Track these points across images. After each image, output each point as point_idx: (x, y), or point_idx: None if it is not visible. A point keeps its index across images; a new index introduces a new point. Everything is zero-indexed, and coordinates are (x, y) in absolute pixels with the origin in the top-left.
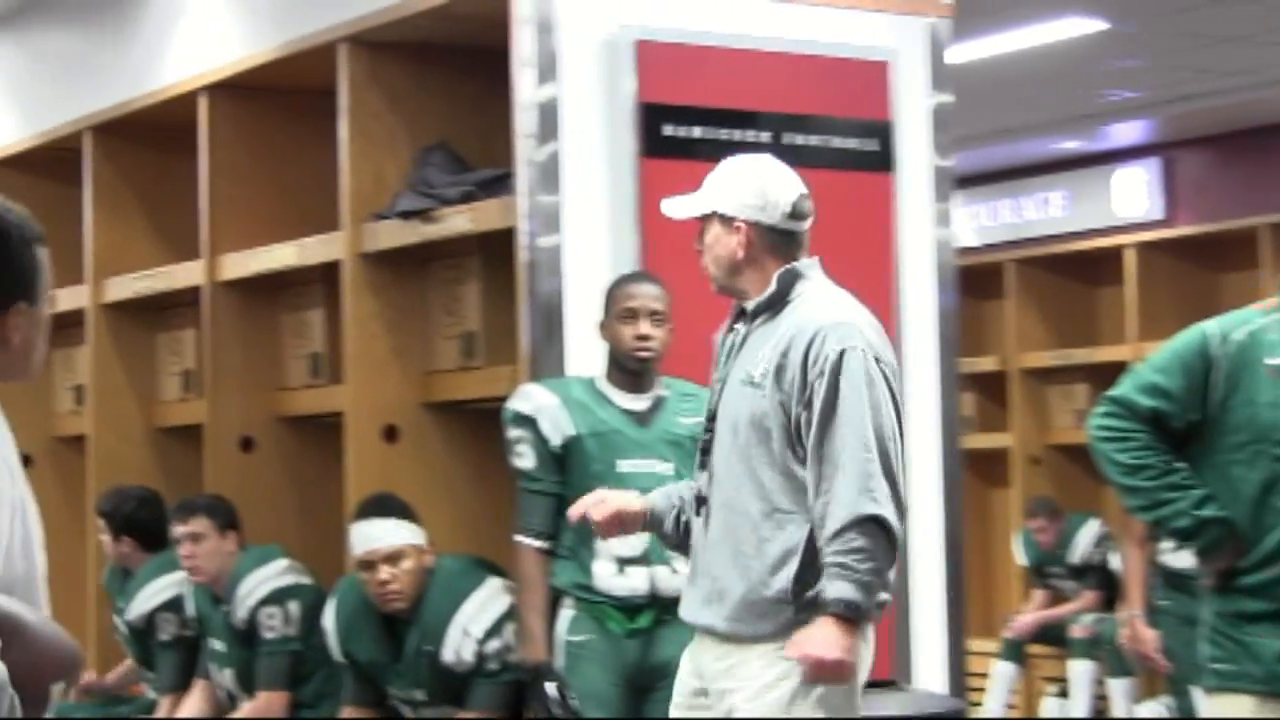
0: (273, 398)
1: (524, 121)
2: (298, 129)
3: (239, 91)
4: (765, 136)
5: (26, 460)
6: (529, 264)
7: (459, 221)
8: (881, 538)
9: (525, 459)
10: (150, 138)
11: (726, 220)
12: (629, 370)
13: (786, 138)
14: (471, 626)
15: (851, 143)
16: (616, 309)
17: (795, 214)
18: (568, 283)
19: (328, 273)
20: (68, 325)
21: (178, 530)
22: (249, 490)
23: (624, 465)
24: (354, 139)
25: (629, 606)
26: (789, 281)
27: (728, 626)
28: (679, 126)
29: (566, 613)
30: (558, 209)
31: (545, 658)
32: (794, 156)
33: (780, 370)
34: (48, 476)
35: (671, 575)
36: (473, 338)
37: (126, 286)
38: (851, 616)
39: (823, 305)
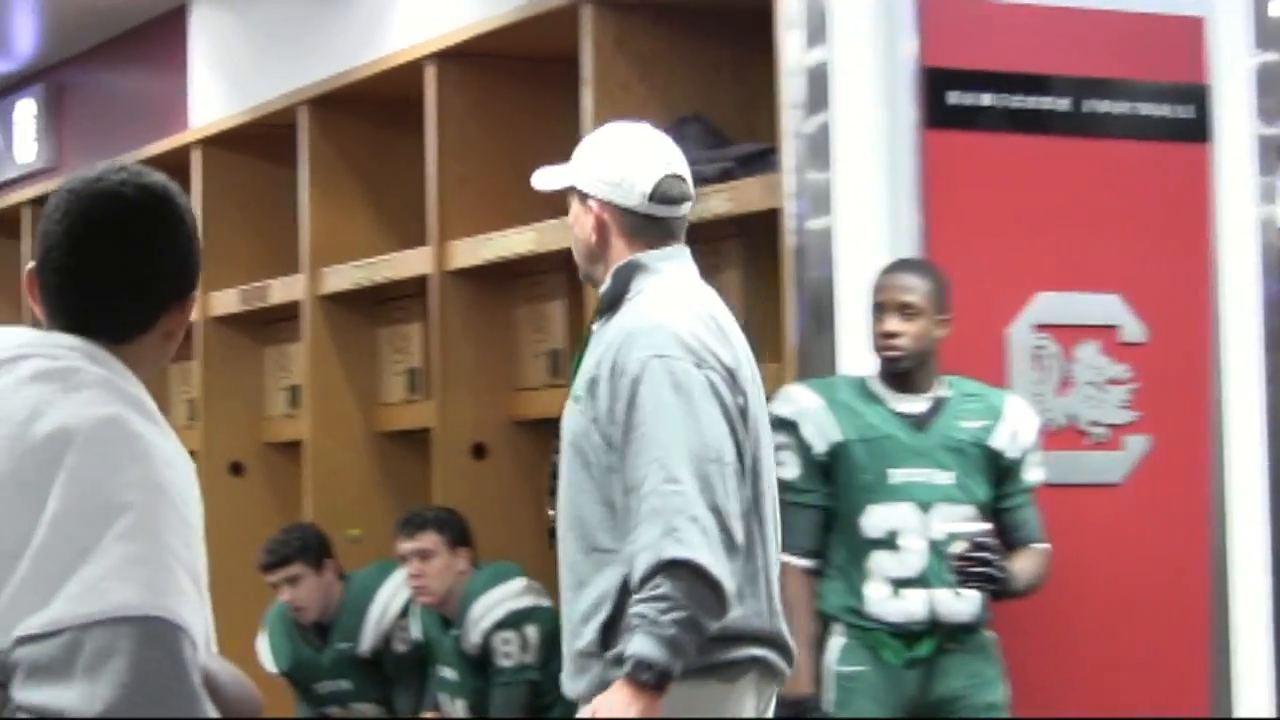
0: (508, 399)
1: (790, 90)
2: (536, 101)
3: (471, 59)
4: (1063, 104)
5: (237, 468)
6: (796, 249)
7: (716, 202)
8: (696, 584)
9: (788, 468)
10: (372, 112)
11: (583, 198)
12: (892, 370)
13: (1087, 105)
14: None
15: (1162, 109)
16: (871, 303)
17: (659, 197)
18: (839, 270)
19: (569, 260)
20: (280, 319)
21: (404, 546)
22: (481, 502)
23: (896, 475)
24: (599, 111)
25: (906, 633)
26: (626, 276)
27: (564, 684)
28: (965, 93)
29: (836, 640)
30: (828, 187)
31: (812, 691)
32: (1096, 126)
33: (594, 384)
34: (259, 486)
35: (955, 599)
36: None
37: (346, 276)
38: (647, 680)
39: (648, 305)
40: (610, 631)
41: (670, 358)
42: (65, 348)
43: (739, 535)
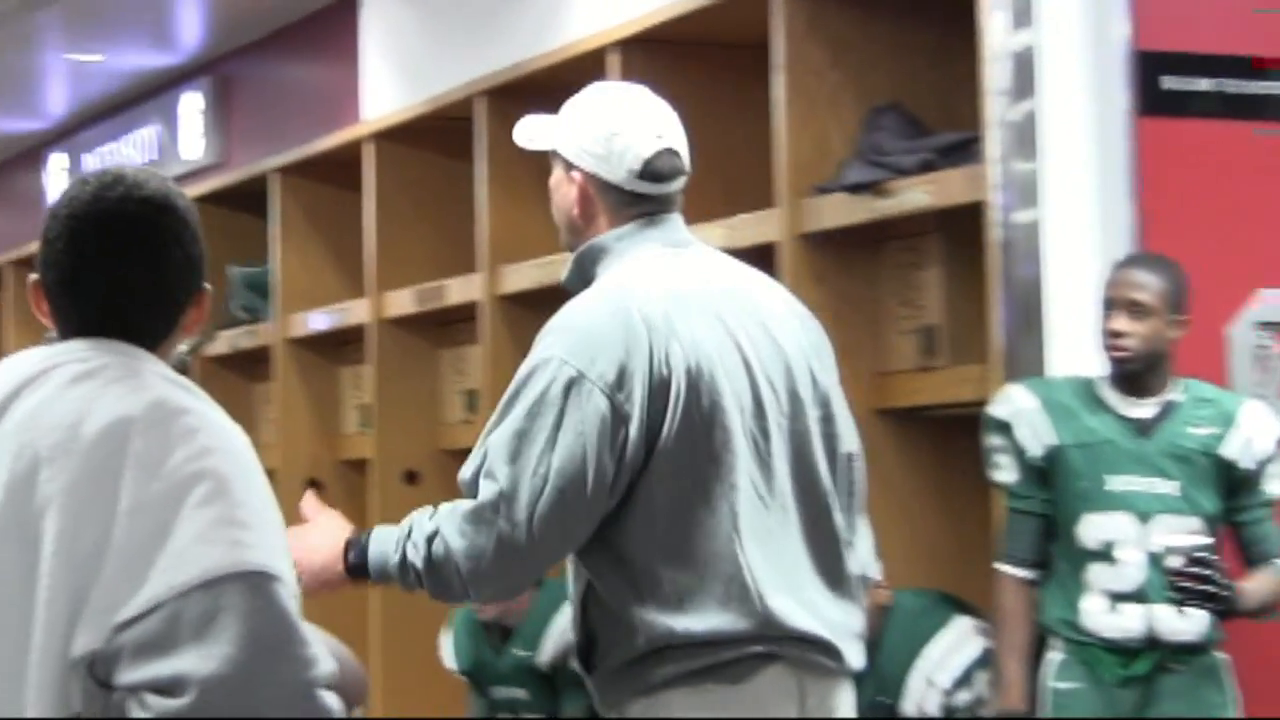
0: None
1: (994, 75)
2: (725, 90)
3: (656, 46)
4: None
5: (412, 476)
6: (1002, 244)
7: (916, 195)
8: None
9: (1004, 472)
10: (553, 103)
11: (567, 165)
12: (1121, 372)
13: None
14: (937, 675)
15: None
16: (1102, 298)
17: (648, 173)
18: (1048, 267)
19: (762, 256)
20: (458, 320)
21: None
22: None
23: (1115, 482)
24: (792, 100)
25: (1123, 650)
26: (587, 262)
27: None
28: (1182, 78)
29: (1054, 655)
30: (1035, 179)
31: (1024, 707)
32: None
33: None
34: (436, 495)
35: (1177, 617)
36: (933, 332)
37: (526, 275)
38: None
39: (582, 297)
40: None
41: (554, 362)
42: (90, 350)
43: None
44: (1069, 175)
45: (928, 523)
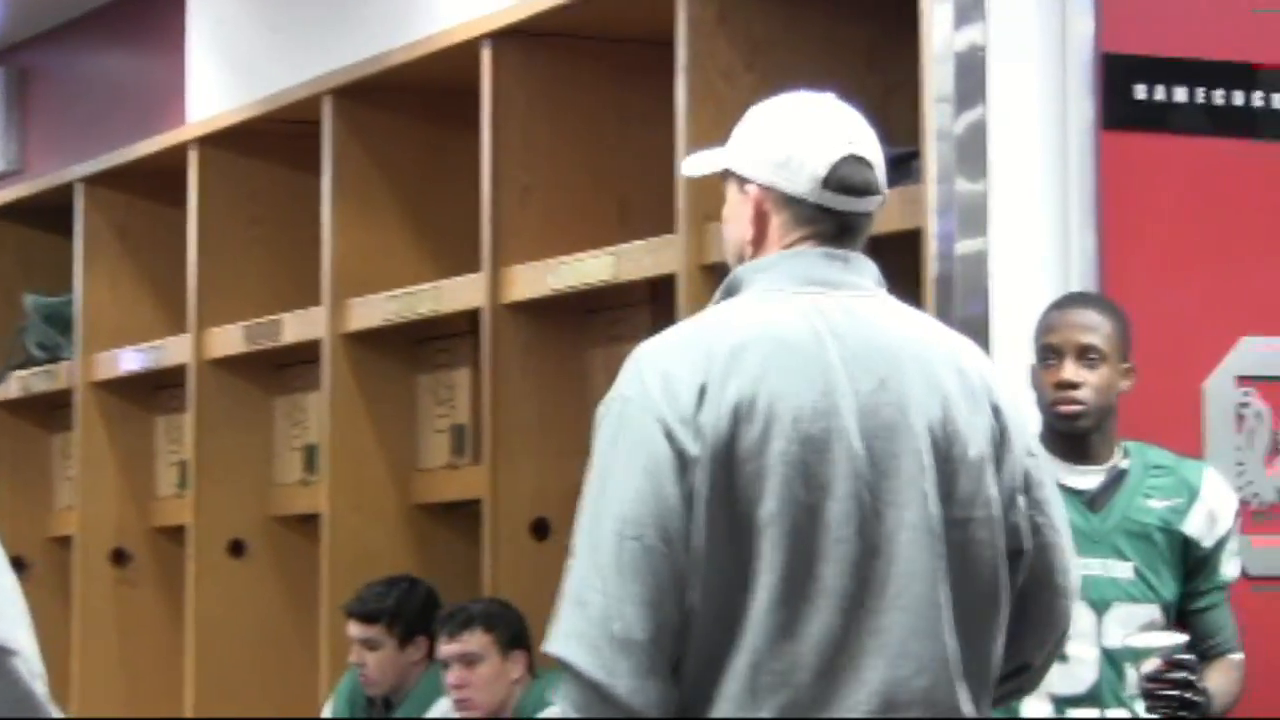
0: (581, 465)
1: (936, 80)
2: (618, 93)
3: (537, 40)
4: (1277, 100)
5: (237, 547)
6: (941, 277)
7: None
8: (575, 691)
9: None
10: (412, 105)
11: (741, 183)
12: (1061, 433)
13: None
14: None
15: None
16: (1037, 346)
17: (833, 183)
18: (996, 303)
19: (657, 291)
20: (295, 362)
21: (445, 649)
22: (543, 593)
23: None
24: (697, 106)
25: None
26: (724, 292)
27: None
28: (1154, 86)
29: None
30: (983, 201)
31: None
32: None
33: None
34: (264, 570)
35: None
36: None
37: (378, 309)
38: None
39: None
40: None
41: (615, 400)
42: None
43: (635, 625)
44: (1022, 198)
45: None
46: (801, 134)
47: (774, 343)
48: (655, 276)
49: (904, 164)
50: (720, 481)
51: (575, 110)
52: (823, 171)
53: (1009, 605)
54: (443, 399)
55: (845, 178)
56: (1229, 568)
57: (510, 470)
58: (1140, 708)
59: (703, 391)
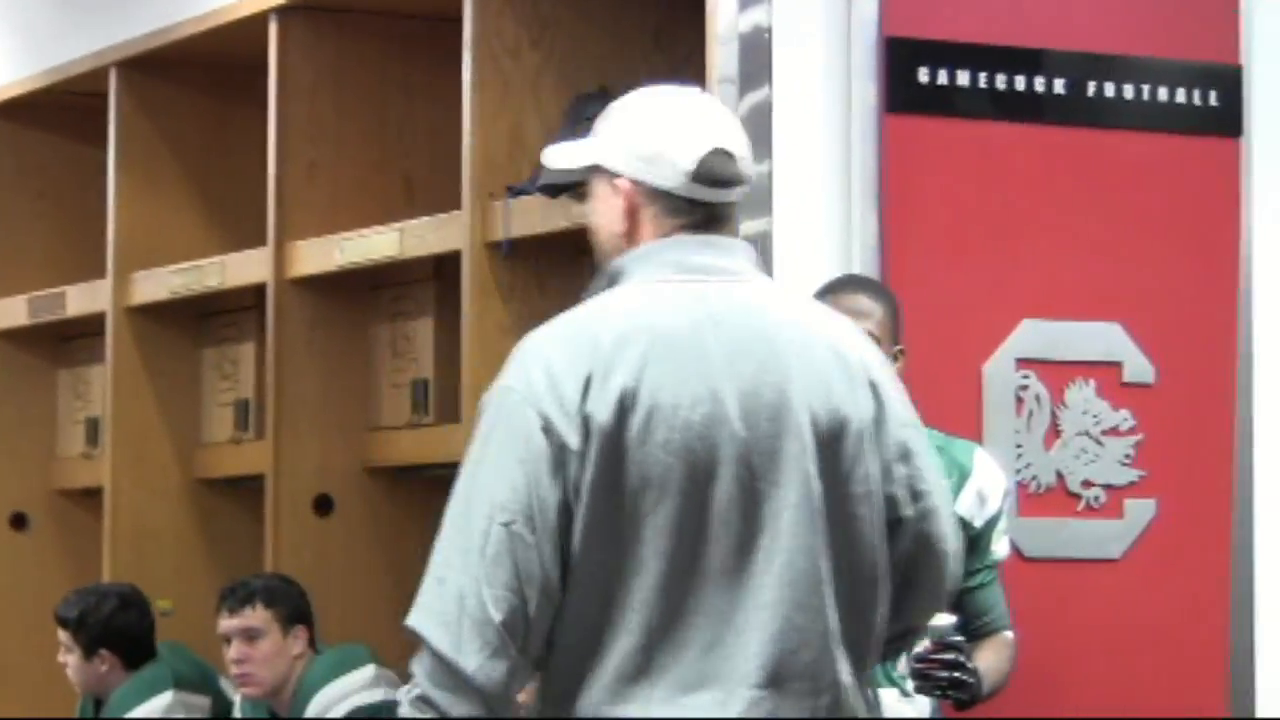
0: (364, 441)
1: (721, 61)
2: (404, 69)
3: (325, 15)
4: (1060, 85)
5: (19, 520)
6: None
7: None
8: (428, 661)
9: None
10: (200, 79)
11: (611, 177)
12: None
13: (1090, 88)
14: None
15: (1183, 95)
16: None
17: (702, 176)
18: (779, 283)
19: (441, 268)
20: (79, 335)
21: (226, 624)
22: (326, 569)
23: None
24: (482, 84)
25: None
26: (601, 285)
27: None
28: (938, 70)
29: None
30: (766, 183)
31: None
32: (1100, 114)
33: None
34: (47, 544)
35: (900, 701)
36: None
37: (163, 283)
38: None
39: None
40: None
41: (497, 389)
42: None
43: (491, 607)
44: (805, 180)
45: None
46: (668, 128)
47: (655, 332)
48: (440, 253)
49: None
50: (605, 472)
51: (362, 86)
52: (691, 165)
53: (890, 574)
54: (227, 374)
55: (712, 170)
56: (999, 547)
57: (294, 446)
58: (910, 687)
59: (588, 383)
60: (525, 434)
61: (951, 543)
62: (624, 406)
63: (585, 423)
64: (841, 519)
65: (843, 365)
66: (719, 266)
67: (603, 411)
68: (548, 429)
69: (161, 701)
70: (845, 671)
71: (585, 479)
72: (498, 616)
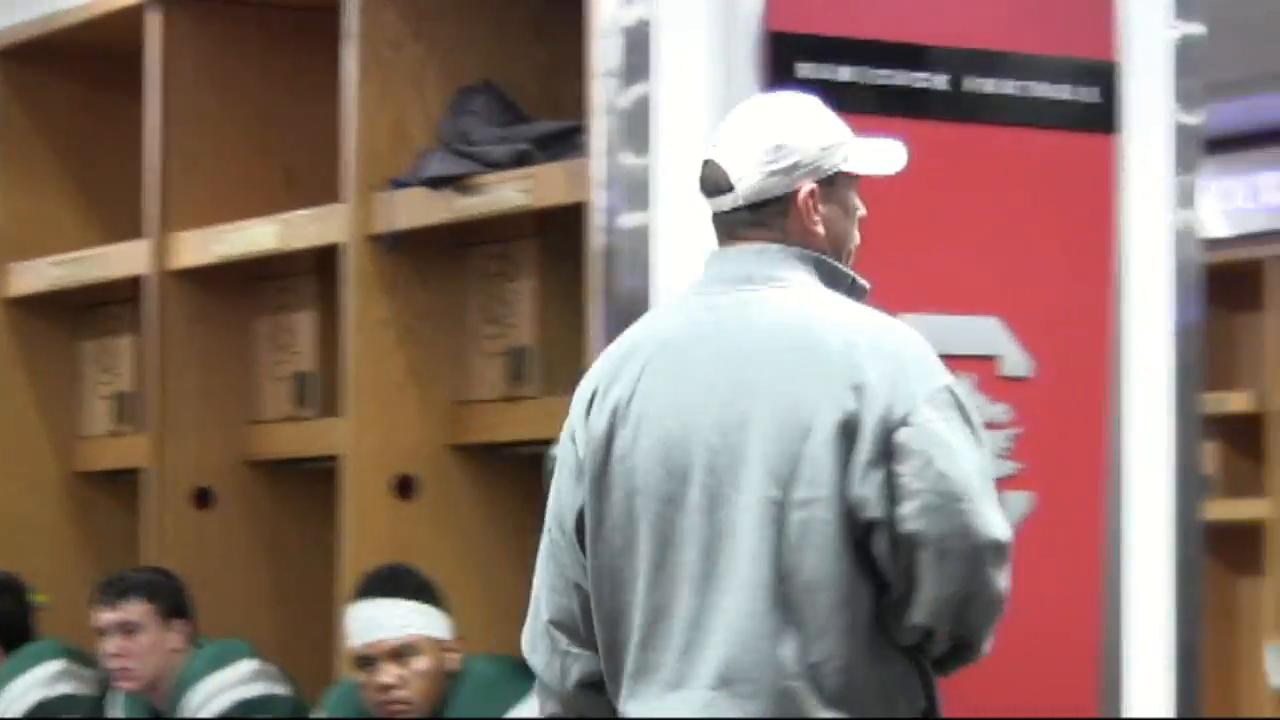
0: (242, 434)
1: (602, 54)
2: (286, 62)
3: (205, 6)
4: (940, 81)
5: None
6: (604, 251)
7: (509, 193)
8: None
9: None
10: (77, 69)
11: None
12: None
13: (969, 83)
14: None
15: (1060, 91)
16: None
17: (700, 188)
18: (658, 279)
19: (323, 261)
20: None
21: (104, 618)
22: (204, 563)
23: None
24: (365, 76)
25: None
26: None
27: None
28: (819, 65)
29: None
30: (647, 176)
31: None
32: (978, 109)
33: None
34: None
35: None
36: (524, 355)
37: (40, 275)
38: None
39: None
40: None
41: None
42: None
43: (544, 607)
44: (685, 174)
45: (505, 578)
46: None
47: (659, 342)
48: (322, 245)
49: (569, 138)
50: (601, 479)
51: (242, 77)
52: (697, 181)
53: (854, 578)
54: (106, 366)
55: (702, 182)
56: None
57: (173, 439)
58: None
59: (593, 398)
60: (563, 447)
61: (953, 541)
62: (616, 417)
63: (588, 434)
64: (793, 523)
65: (823, 370)
66: (728, 274)
67: (599, 423)
68: (574, 440)
69: (47, 670)
70: (791, 673)
71: (589, 486)
72: (546, 615)
